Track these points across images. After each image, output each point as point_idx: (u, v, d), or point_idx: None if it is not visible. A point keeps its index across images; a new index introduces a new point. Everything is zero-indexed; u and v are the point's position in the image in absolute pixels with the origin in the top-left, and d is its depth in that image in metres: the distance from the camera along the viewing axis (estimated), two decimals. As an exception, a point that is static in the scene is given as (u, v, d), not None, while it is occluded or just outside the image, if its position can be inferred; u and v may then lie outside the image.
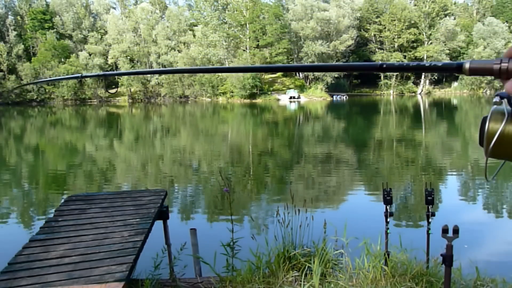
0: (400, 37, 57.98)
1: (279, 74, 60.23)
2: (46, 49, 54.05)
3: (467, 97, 53.89)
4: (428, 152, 14.73)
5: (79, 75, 1.40)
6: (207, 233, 6.00)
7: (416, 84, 62.00)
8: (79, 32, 59.21)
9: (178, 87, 55.73)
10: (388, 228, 3.61)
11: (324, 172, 11.46)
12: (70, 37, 59.23)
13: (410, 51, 58.61)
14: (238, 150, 16.21)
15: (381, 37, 59.62)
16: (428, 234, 3.58)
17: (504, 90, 0.65)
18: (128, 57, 57.26)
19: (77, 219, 4.38)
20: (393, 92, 60.49)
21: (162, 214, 4.85)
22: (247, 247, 4.06)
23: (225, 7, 55.79)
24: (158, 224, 4.79)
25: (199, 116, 36.07)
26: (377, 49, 60.40)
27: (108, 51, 57.16)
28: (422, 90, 61.27)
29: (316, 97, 53.42)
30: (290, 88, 53.96)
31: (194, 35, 56.10)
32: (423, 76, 60.97)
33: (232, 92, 52.91)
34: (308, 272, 3.50)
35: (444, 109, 38.48)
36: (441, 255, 2.78)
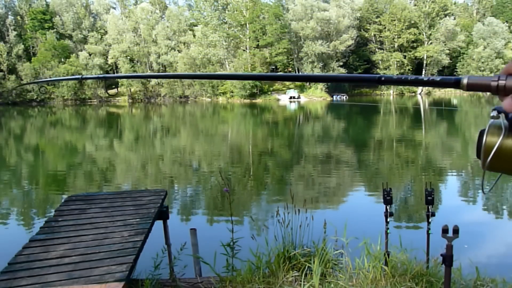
0: (400, 37, 57.96)
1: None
2: (46, 49, 54.06)
3: (467, 97, 53.88)
4: (428, 152, 14.74)
5: (80, 76, 1.40)
6: (207, 233, 6.00)
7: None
8: (79, 32, 59.21)
9: (178, 87, 55.74)
10: (388, 228, 3.61)
11: (324, 172, 11.46)
12: (70, 37, 59.24)
13: (410, 51, 58.59)
14: (238, 150, 16.21)
15: (381, 37, 59.61)
16: (428, 234, 3.58)
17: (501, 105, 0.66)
18: (128, 57, 57.27)
19: (77, 219, 4.38)
20: (393, 92, 60.49)
21: (162, 214, 4.85)
22: (247, 247, 4.06)
23: (225, 7, 55.78)
24: (158, 224, 4.79)
25: (199, 116, 36.07)
26: (377, 49, 60.38)
27: (108, 51, 57.18)
28: (422, 90, 61.24)
29: (316, 97, 53.42)
30: (290, 88, 53.94)
31: (194, 35, 56.10)
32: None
33: (232, 92, 52.92)
34: (308, 272, 3.50)
35: (444, 109, 38.49)
36: (441, 255, 2.78)
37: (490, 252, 5.45)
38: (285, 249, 3.93)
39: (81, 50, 56.97)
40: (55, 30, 57.52)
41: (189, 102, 54.82)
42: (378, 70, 59.85)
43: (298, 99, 52.68)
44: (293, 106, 45.28)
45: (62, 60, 55.13)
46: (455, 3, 66.61)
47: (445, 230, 2.77)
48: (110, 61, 56.92)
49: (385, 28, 58.59)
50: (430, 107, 39.60)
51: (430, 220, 3.52)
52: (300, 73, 57.84)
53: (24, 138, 22.03)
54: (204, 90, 54.94)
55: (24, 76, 52.48)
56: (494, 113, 0.67)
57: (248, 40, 54.41)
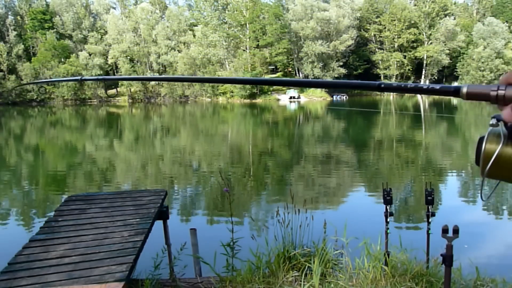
0: (400, 37, 57.96)
1: (279, 74, 60.26)
2: (46, 49, 54.07)
3: (467, 97, 53.79)
4: (428, 152, 14.74)
5: (79, 77, 1.40)
6: (207, 233, 6.00)
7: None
8: (79, 32, 59.22)
9: (178, 87, 55.73)
10: (388, 228, 3.61)
11: (324, 172, 11.46)
12: (70, 37, 59.25)
13: (410, 51, 58.59)
14: (238, 150, 16.21)
15: (381, 37, 59.61)
16: (428, 234, 3.58)
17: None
18: (128, 57, 57.28)
19: (77, 219, 4.38)
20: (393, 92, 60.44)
21: (162, 214, 4.85)
22: (247, 247, 4.06)
23: (225, 7, 55.79)
24: (158, 224, 4.79)
25: (199, 116, 36.07)
26: (377, 49, 60.38)
27: (108, 51, 57.19)
28: (422, 90, 61.19)
29: (316, 97, 53.42)
30: (290, 88, 53.93)
31: (194, 35, 56.10)
32: (423, 76, 60.97)
33: (232, 92, 52.92)
34: (308, 272, 3.50)
35: (444, 109, 38.48)
36: (441, 255, 2.78)
37: (490, 252, 5.45)
38: (285, 249, 3.93)
39: (81, 50, 56.99)
40: (55, 30, 57.54)
41: (189, 102, 54.83)
42: (378, 70, 59.89)
43: (298, 99, 52.68)
44: (293, 106, 45.28)
45: (62, 60, 55.14)
46: (455, 3, 66.62)
47: (445, 230, 2.77)
48: (110, 61, 56.93)
49: (385, 28, 58.59)
50: (430, 108, 39.62)
51: (430, 220, 3.52)
52: (300, 73, 58.02)
53: (24, 138, 22.03)
54: (204, 90, 54.94)
55: (24, 76, 52.49)
56: (493, 121, 0.67)
57: (248, 40, 54.41)
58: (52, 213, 4.84)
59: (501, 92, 0.63)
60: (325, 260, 3.74)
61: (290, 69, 60.61)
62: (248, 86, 50.35)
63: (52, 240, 3.81)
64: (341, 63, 56.00)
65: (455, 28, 57.51)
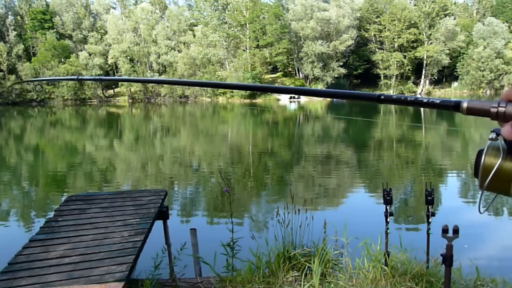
0: (400, 37, 57.92)
1: (279, 74, 60.26)
2: (46, 49, 54.06)
3: (467, 97, 53.82)
4: (428, 152, 14.74)
5: (76, 76, 1.41)
6: (207, 233, 6.00)
7: (416, 84, 61.98)
8: (79, 32, 59.21)
9: (178, 87, 55.72)
10: (388, 228, 3.61)
11: (324, 172, 11.46)
12: (70, 37, 59.24)
13: (410, 51, 58.54)
14: (238, 150, 16.21)
15: (381, 37, 59.56)
16: (428, 234, 3.58)
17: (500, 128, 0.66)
18: (128, 57, 57.26)
19: (77, 219, 4.38)
20: (393, 92, 60.41)
21: (162, 214, 4.85)
22: (247, 247, 4.06)
23: (225, 7, 55.78)
24: (158, 224, 4.79)
25: (199, 116, 36.07)
26: (377, 49, 60.35)
27: (108, 51, 57.17)
28: (422, 90, 61.24)
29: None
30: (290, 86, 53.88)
31: (194, 35, 56.09)
32: (423, 76, 60.96)
33: (232, 92, 52.89)
34: (308, 272, 3.50)
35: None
36: (441, 255, 2.78)
37: (490, 252, 5.45)
38: (285, 249, 3.93)
39: (81, 50, 56.97)
40: (55, 30, 57.52)
41: (189, 102, 54.83)
42: (378, 70, 59.87)
43: (298, 99, 52.66)
44: (293, 106, 45.27)
45: (62, 60, 55.14)
46: (455, 3, 66.57)
47: (445, 230, 2.77)
48: (110, 61, 56.92)
49: (385, 28, 58.55)
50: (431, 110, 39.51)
51: (430, 220, 3.52)
52: (300, 73, 58.03)
53: (24, 138, 22.03)
54: (204, 90, 54.91)
55: (24, 76, 52.47)
56: (493, 135, 0.67)
57: (248, 40, 54.41)
58: (52, 213, 4.84)
59: (501, 109, 0.63)
60: (325, 260, 3.74)
61: (290, 69, 60.60)
62: (248, 86, 50.33)
63: (52, 240, 3.81)
64: (341, 63, 55.98)
65: (455, 28, 57.46)
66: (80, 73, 51.73)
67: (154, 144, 18.45)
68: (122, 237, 3.84)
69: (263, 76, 54.64)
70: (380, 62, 59.29)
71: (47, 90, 53.96)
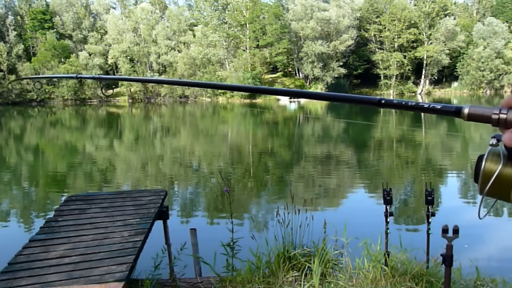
0: (400, 37, 57.90)
1: (279, 74, 60.25)
2: (46, 49, 54.05)
3: (467, 97, 53.89)
4: (428, 152, 14.74)
5: (75, 75, 1.41)
6: (207, 233, 6.00)
7: (416, 84, 61.96)
8: (79, 32, 59.19)
9: (178, 87, 55.72)
10: (388, 228, 3.61)
11: (324, 172, 11.46)
12: (70, 37, 59.21)
13: (410, 51, 58.53)
14: (238, 150, 16.21)
15: (381, 37, 59.54)
16: (428, 234, 3.58)
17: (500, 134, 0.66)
18: (128, 57, 57.25)
19: (77, 219, 4.38)
20: (393, 92, 60.43)
21: (162, 214, 4.85)
22: (247, 247, 4.06)
23: (225, 7, 55.77)
24: (158, 224, 4.79)
25: (199, 116, 36.07)
26: (377, 49, 60.34)
27: (108, 51, 57.14)
28: (422, 90, 61.23)
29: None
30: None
31: (194, 35, 56.07)
32: (423, 76, 60.95)
33: (232, 92, 52.89)
34: (308, 272, 3.50)
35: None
36: (441, 255, 2.78)
37: (490, 252, 5.45)
38: (285, 249, 3.94)
39: (81, 50, 56.95)
40: (55, 30, 57.50)
41: (189, 102, 54.82)
42: (378, 70, 59.85)
43: (298, 100, 52.65)
44: (293, 106, 45.26)
45: (62, 60, 55.12)
46: (455, 3, 66.55)
47: (445, 230, 2.77)
48: (110, 61, 56.90)
49: (385, 28, 58.54)
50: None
51: (430, 220, 3.52)
52: (300, 73, 58.02)
53: (24, 138, 22.03)
54: (204, 90, 54.87)
55: (24, 76, 52.46)
56: (494, 141, 0.67)
57: (248, 40, 54.39)
58: (52, 213, 4.84)
59: (502, 116, 0.63)
60: (325, 260, 3.74)
61: (290, 69, 60.59)
62: (248, 86, 50.31)
63: (52, 240, 3.81)
64: (341, 63, 55.96)
65: (455, 28, 57.44)
66: (80, 73, 51.71)
67: (154, 144, 18.45)
68: (122, 237, 3.84)
69: (263, 76, 54.61)
70: (380, 62, 59.27)
71: (47, 90, 53.95)
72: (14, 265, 3.26)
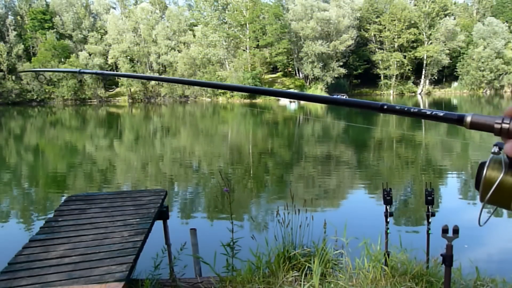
0: (400, 37, 57.92)
1: (279, 74, 60.25)
2: (46, 49, 54.05)
3: (467, 97, 53.87)
4: (428, 153, 14.74)
5: (78, 69, 1.42)
6: (207, 233, 6.00)
7: (416, 84, 61.98)
8: (79, 32, 59.18)
9: (178, 87, 55.71)
10: (388, 228, 3.61)
11: (324, 172, 11.46)
12: (70, 37, 59.21)
13: (410, 51, 58.55)
14: (238, 150, 16.21)
15: (381, 37, 59.56)
16: (428, 234, 3.58)
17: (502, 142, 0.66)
18: (128, 57, 57.25)
19: (77, 219, 4.38)
20: (393, 92, 60.47)
21: (162, 214, 4.85)
22: (247, 247, 4.06)
23: (225, 7, 55.77)
24: (158, 224, 4.79)
25: (199, 116, 36.07)
26: (377, 49, 60.35)
27: (108, 51, 57.14)
28: (422, 90, 61.24)
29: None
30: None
31: (194, 35, 56.07)
32: (423, 76, 60.96)
33: (232, 92, 52.89)
34: (308, 272, 3.50)
35: (444, 109, 38.43)
36: (441, 255, 2.78)
37: (490, 252, 5.45)
38: (285, 249, 3.93)
39: (81, 50, 56.96)
40: (55, 30, 57.50)
41: (189, 102, 54.82)
42: (378, 70, 59.87)
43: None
44: (293, 106, 45.25)
45: (62, 60, 55.11)
46: (455, 3, 66.57)
47: (445, 230, 2.77)
48: (110, 61, 56.89)
49: (385, 28, 58.56)
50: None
51: (430, 220, 3.52)
52: (300, 73, 58.00)
53: (24, 138, 22.03)
54: (204, 90, 54.88)
55: (24, 76, 52.46)
56: (495, 149, 0.67)
57: (248, 40, 54.39)
58: (52, 213, 4.84)
59: (505, 125, 0.63)
60: (325, 260, 3.74)
61: (290, 69, 60.59)
62: (248, 86, 50.30)
63: (52, 240, 3.81)
64: (341, 63, 55.97)
65: (455, 28, 57.46)
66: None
67: (154, 144, 18.45)
68: (122, 237, 3.83)
69: (263, 76, 54.62)
70: (380, 62, 59.29)
71: (47, 90, 53.97)
72: (14, 265, 3.26)
